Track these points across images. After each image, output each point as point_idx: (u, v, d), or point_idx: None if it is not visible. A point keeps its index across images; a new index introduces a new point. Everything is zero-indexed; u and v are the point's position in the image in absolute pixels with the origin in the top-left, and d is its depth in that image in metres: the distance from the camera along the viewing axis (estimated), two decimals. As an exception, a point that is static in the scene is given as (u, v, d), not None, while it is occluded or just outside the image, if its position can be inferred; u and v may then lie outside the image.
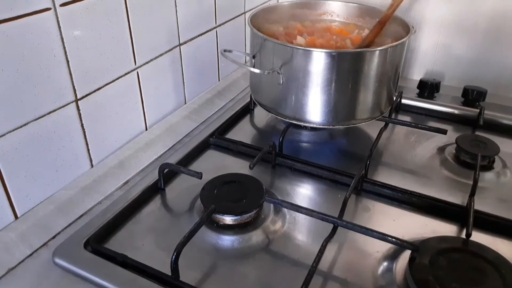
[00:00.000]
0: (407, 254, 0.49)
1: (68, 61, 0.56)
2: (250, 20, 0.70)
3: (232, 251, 0.53)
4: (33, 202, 0.56)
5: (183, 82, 0.81)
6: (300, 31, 0.77)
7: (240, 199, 0.56)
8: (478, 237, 0.52)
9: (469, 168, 0.67)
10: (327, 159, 0.70)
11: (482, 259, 0.48)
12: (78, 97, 0.59)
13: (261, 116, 0.83)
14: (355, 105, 0.66)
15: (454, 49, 0.92)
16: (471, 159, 0.67)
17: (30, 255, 0.51)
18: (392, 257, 0.52)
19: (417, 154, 0.71)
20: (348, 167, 0.65)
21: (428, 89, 0.88)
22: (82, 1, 0.56)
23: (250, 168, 0.60)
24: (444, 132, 0.70)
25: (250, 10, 0.96)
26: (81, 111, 0.60)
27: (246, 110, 0.84)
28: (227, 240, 0.54)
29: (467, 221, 0.54)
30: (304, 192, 0.64)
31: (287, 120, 0.69)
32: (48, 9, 0.52)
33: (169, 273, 0.47)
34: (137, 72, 0.69)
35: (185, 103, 0.83)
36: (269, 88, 0.69)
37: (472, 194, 0.58)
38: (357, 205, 0.60)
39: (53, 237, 0.54)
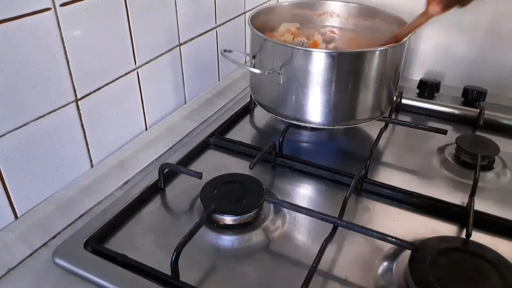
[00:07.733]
0: (407, 254, 0.49)
1: (68, 61, 0.56)
2: (250, 20, 0.70)
3: (232, 251, 0.53)
4: (33, 202, 0.56)
5: (183, 82, 0.81)
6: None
7: (240, 199, 0.56)
8: (478, 237, 0.52)
9: (469, 168, 0.67)
10: (327, 159, 0.70)
11: (482, 259, 0.48)
12: (78, 97, 0.59)
13: (261, 116, 0.83)
14: (355, 105, 0.66)
15: (454, 49, 0.92)
16: (471, 159, 0.67)
17: (30, 255, 0.51)
18: (392, 257, 0.51)
19: (417, 154, 0.71)
20: (348, 167, 0.65)
21: (428, 89, 0.88)
22: (82, 1, 0.56)
23: (250, 168, 0.60)
24: (444, 132, 0.70)
25: (250, 10, 0.96)
26: (81, 111, 0.60)
27: (246, 110, 0.84)
28: (227, 240, 0.54)
29: (467, 221, 0.54)
30: (304, 192, 0.64)
31: (287, 120, 0.68)
32: (48, 9, 0.52)
33: (169, 273, 0.47)
34: (137, 72, 0.69)
35: (185, 103, 0.83)
36: (269, 88, 0.69)
37: (472, 194, 0.58)
38: (357, 205, 0.60)
39: (53, 237, 0.54)
